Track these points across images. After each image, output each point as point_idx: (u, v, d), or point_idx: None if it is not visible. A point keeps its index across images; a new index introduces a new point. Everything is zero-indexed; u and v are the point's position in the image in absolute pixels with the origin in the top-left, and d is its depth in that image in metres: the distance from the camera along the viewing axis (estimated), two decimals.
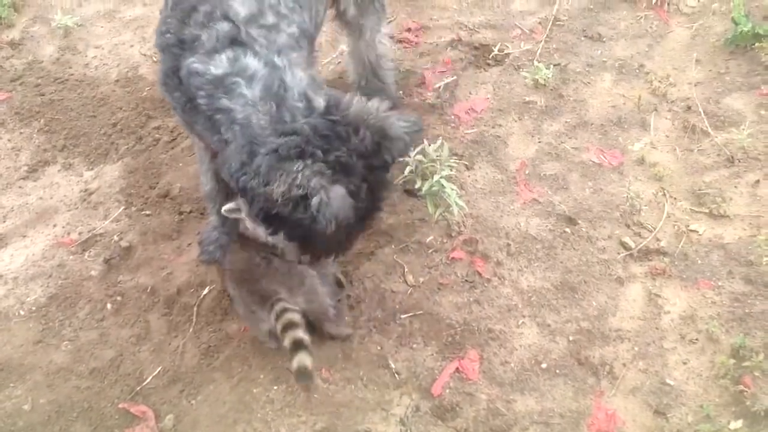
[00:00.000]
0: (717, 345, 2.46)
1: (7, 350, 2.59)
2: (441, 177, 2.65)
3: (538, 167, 3.02)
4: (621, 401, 2.37)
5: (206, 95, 2.04)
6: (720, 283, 2.61)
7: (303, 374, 2.20)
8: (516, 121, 3.18)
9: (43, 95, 3.64)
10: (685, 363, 2.44)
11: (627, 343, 2.51)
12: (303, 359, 2.22)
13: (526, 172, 3.01)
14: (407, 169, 2.67)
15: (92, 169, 3.26)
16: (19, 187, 3.23)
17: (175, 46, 2.12)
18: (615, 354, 2.48)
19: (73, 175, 3.25)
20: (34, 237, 3.00)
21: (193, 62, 2.05)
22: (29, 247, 2.96)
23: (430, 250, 2.79)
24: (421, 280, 2.69)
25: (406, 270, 2.71)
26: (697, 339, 2.49)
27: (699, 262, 2.69)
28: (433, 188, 2.66)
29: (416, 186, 2.71)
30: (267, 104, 1.98)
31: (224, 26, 2.05)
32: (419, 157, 2.68)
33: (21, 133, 3.46)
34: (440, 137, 2.87)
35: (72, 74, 3.76)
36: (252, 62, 2.01)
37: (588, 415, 2.35)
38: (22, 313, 2.71)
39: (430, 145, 2.67)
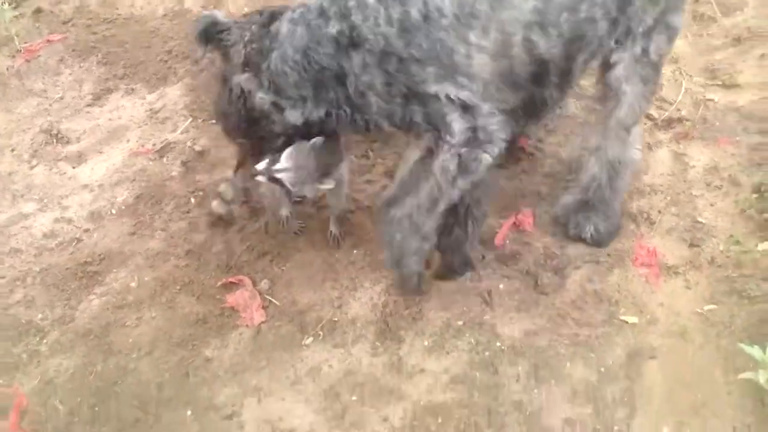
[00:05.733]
0: (740, 187, 2.79)
1: (106, 242, 2.89)
2: None
3: None
4: (659, 240, 2.70)
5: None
6: (738, 138, 2.94)
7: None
8: None
9: (96, 33, 3.92)
10: (712, 205, 2.77)
11: (660, 194, 2.83)
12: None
13: None
14: None
15: (154, 92, 3.55)
16: (87, 112, 3.52)
17: None
18: (650, 204, 2.81)
19: (136, 98, 3.54)
20: (110, 152, 3.29)
21: None
22: (107, 160, 3.25)
23: None
24: None
25: None
26: (721, 185, 2.81)
27: (717, 124, 3.02)
28: None
29: None
30: None
31: None
32: None
33: (81, 66, 3.75)
34: None
35: (119, 14, 4.04)
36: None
37: (631, 253, 2.67)
38: (113, 212, 3.00)
39: None
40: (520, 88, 2.22)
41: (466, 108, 2.12)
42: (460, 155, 2.16)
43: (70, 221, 2.98)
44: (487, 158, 2.19)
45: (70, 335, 2.57)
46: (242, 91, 2.21)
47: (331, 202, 2.70)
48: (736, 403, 2.23)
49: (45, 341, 2.56)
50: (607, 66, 2.41)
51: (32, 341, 2.56)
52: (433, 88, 2.10)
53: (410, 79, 2.10)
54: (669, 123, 3.03)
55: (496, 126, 2.16)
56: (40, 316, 2.63)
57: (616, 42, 2.35)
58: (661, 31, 2.33)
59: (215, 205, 2.72)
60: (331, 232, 2.76)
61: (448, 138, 2.15)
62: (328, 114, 2.22)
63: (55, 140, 3.36)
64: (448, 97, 2.11)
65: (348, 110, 2.21)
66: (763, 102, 3.02)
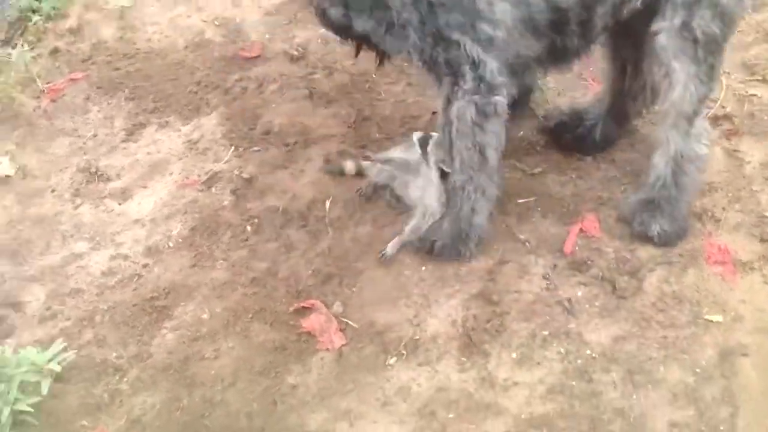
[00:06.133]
0: None
1: (168, 276, 2.83)
2: None
3: (598, 62, 3.35)
4: (728, 237, 2.72)
5: None
6: None
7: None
8: None
9: (119, 69, 3.87)
10: None
11: (720, 192, 2.86)
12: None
13: (591, 68, 3.34)
14: None
15: (188, 123, 3.51)
16: (123, 148, 3.46)
17: None
18: (713, 202, 2.83)
19: (171, 131, 3.50)
20: (154, 186, 3.24)
21: None
22: (153, 194, 3.19)
23: (524, 142, 3.10)
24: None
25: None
26: None
27: (765, 118, 3.06)
28: None
29: None
30: None
31: None
32: None
33: (109, 103, 3.70)
34: None
35: (139, 49, 3.99)
36: None
37: (703, 252, 2.68)
38: (170, 245, 2.95)
39: None
40: (541, 35, 2.38)
41: (475, 62, 2.35)
42: (475, 102, 2.41)
43: (126, 257, 2.92)
44: (500, 101, 2.43)
45: (150, 371, 2.52)
46: (322, 10, 2.49)
47: (413, 230, 2.76)
48: None
49: (125, 379, 2.50)
50: (649, 33, 2.45)
51: (111, 380, 2.50)
52: (455, 35, 2.32)
53: (437, 23, 2.32)
54: (716, 120, 3.07)
55: (501, 80, 2.40)
56: (114, 354, 2.58)
57: (650, 6, 2.39)
58: (705, 6, 2.31)
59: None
60: (386, 252, 2.77)
61: (461, 84, 2.39)
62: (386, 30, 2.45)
63: (95, 178, 3.31)
64: (465, 48, 2.32)
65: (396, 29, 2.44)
66: None
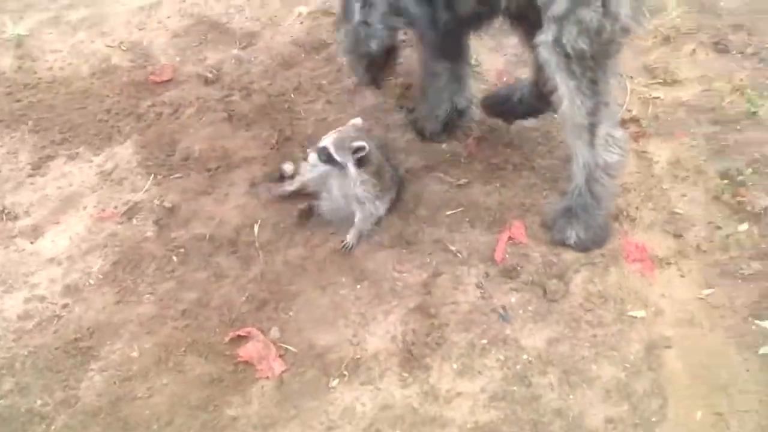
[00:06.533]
0: (706, 175, 2.98)
1: (90, 315, 2.73)
2: None
3: (513, 74, 3.45)
4: (644, 235, 2.83)
5: None
6: (692, 130, 3.14)
7: None
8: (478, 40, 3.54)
9: (20, 101, 3.70)
10: (684, 195, 2.94)
11: (633, 192, 2.98)
12: None
13: (504, 79, 3.43)
14: None
15: (100, 153, 3.39)
16: (31, 183, 3.31)
17: None
18: (627, 202, 2.94)
19: (82, 162, 3.37)
20: (68, 221, 3.12)
21: None
22: (68, 230, 3.07)
23: (447, 155, 3.15)
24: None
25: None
26: (688, 176, 2.99)
27: (669, 119, 3.21)
28: None
29: None
30: None
31: None
32: None
33: (11, 137, 3.53)
34: None
35: (40, 78, 3.84)
36: None
37: (622, 251, 2.78)
38: (91, 282, 2.84)
39: None
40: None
41: None
42: None
43: (43, 299, 2.80)
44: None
45: (79, 417, 2.42)
46: None
47: (363, 220, 2.83)
48: (757, 378, 2.37)
49: (53, 428, 2.40)
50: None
51: (38, 430, 2.39)
52: None
53: None
54: (623, 124, 3.19)
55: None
56: (39, 402, 2.47)
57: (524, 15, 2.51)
58: (572, 22, 2.30)
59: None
60: (347, 242, 2.83)
61: None
62: None
63: (2, 217, 3.15)
64: None
65: None
66: (705, 94, 3.25)
